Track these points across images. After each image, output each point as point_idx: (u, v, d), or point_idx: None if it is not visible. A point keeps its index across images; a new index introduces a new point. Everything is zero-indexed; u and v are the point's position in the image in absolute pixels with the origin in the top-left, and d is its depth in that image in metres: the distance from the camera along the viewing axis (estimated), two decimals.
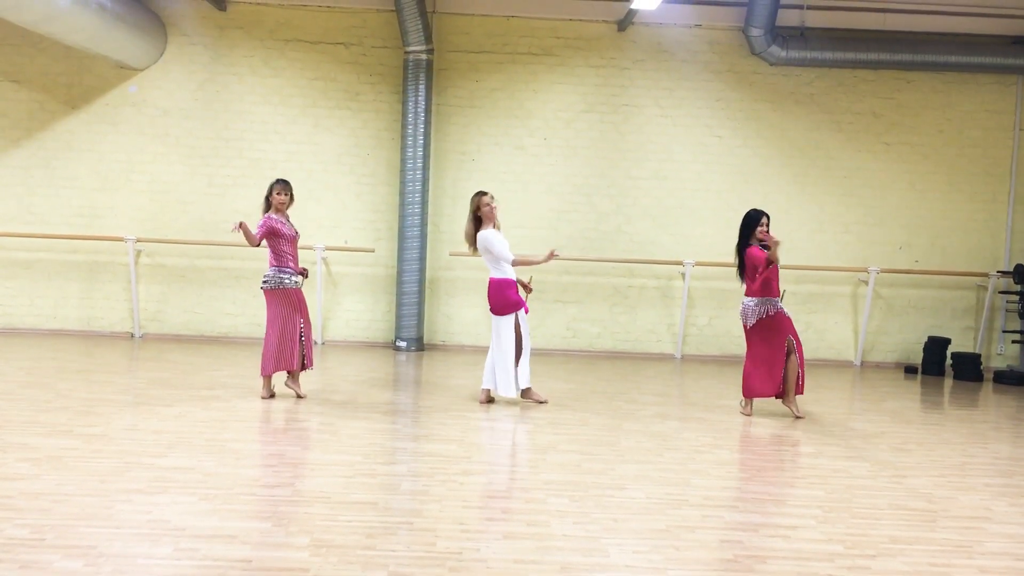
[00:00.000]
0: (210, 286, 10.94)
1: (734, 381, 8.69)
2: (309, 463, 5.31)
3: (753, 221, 7.21)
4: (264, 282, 7.10)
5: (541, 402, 7.41)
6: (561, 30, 10.99)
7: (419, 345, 10.77)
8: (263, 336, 7.29)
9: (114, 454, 5.18)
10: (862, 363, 11.22)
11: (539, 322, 10.91)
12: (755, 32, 10.51)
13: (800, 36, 10.75)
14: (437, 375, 9.00)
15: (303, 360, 7.22)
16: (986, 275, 11.12)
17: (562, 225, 11.03)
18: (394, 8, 10.39)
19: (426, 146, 10.56)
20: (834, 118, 11.17)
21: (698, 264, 10.85)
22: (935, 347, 10.67)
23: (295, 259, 7.20)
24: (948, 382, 10.19)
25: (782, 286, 7.34)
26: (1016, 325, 11.18)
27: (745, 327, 7.31)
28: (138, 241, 10.70)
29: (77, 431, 5.72)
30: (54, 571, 3.45)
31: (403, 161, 10.56)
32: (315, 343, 10.61)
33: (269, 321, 7.09)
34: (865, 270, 11.00)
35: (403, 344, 10.66)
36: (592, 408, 7.35)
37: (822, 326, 11.25)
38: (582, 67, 11.01)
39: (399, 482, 4.90)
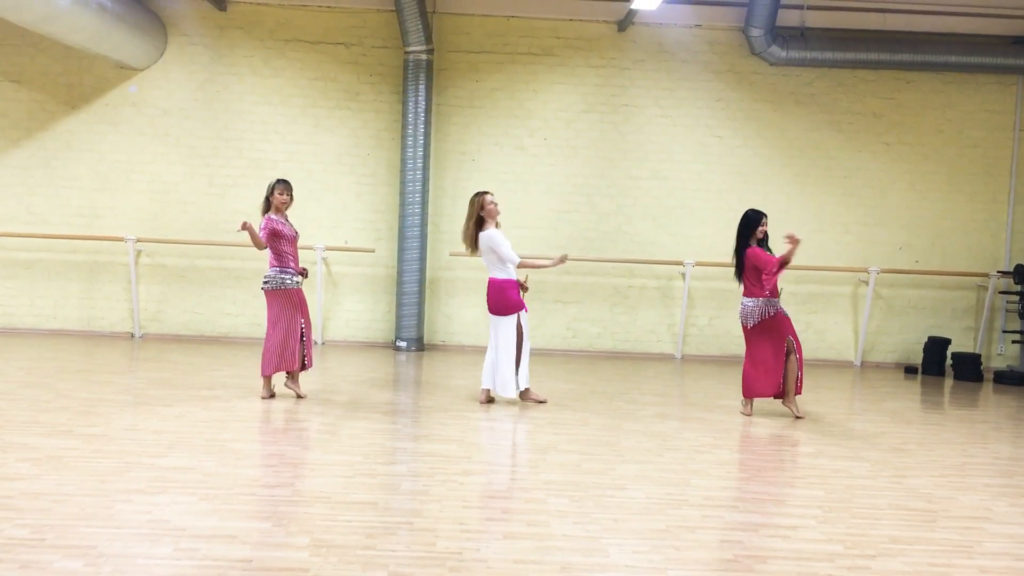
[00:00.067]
0: (210, 286, 10.94)
1: (734, 381, 8.69)
2: (309, 463, 5.31)
3: (753, 222, 7.18)
4: (265, 282, 7.10)
5: (540, 402, 7.41)
6: (561, 30, 10.99)
7: (419, 345, 10.77)
8: (263, 336, 7.28)
9: (114, 454, 5.18)
10: (862, 363, 11.22)
11: (539, 322, 10.91)
12: (755, 32, 10.51)
13: (800, 36, 10.75)
14: (437, 375, 8.99)
15: (303, 360, 7.23)
16: (986, 275, 11.12)
17: (562, 225, 11.04)
18: (394, 8, 10.40)
19: (426, 146, 10.56)
20: (834, 118, 11.17)
21: (698, 264, 10.85)
22: (935, 347, 10.67)
23: (296, 259, 7.20)
24: (948, 382, 10.19)
25: (779, 285, 7.34)
26: (1016, 325, 11.18)
27: (745, 328, 7.30)
28: (138, 241, 10.70)
29: (77, 431, 5.72)
30: (54, 571, 3.45)
31: (403, 161, 10.56)
32: (315, 343, 10.62)
33: (271, 321, 7.09)
34: (865, 270, 11.00)
35: (403, 344, 10.66)
36: (592, 408, 7.35)
37: (822, 326, 11.25)
38: (582, 67, 11.02)
39: (399, 482, 4.90)
